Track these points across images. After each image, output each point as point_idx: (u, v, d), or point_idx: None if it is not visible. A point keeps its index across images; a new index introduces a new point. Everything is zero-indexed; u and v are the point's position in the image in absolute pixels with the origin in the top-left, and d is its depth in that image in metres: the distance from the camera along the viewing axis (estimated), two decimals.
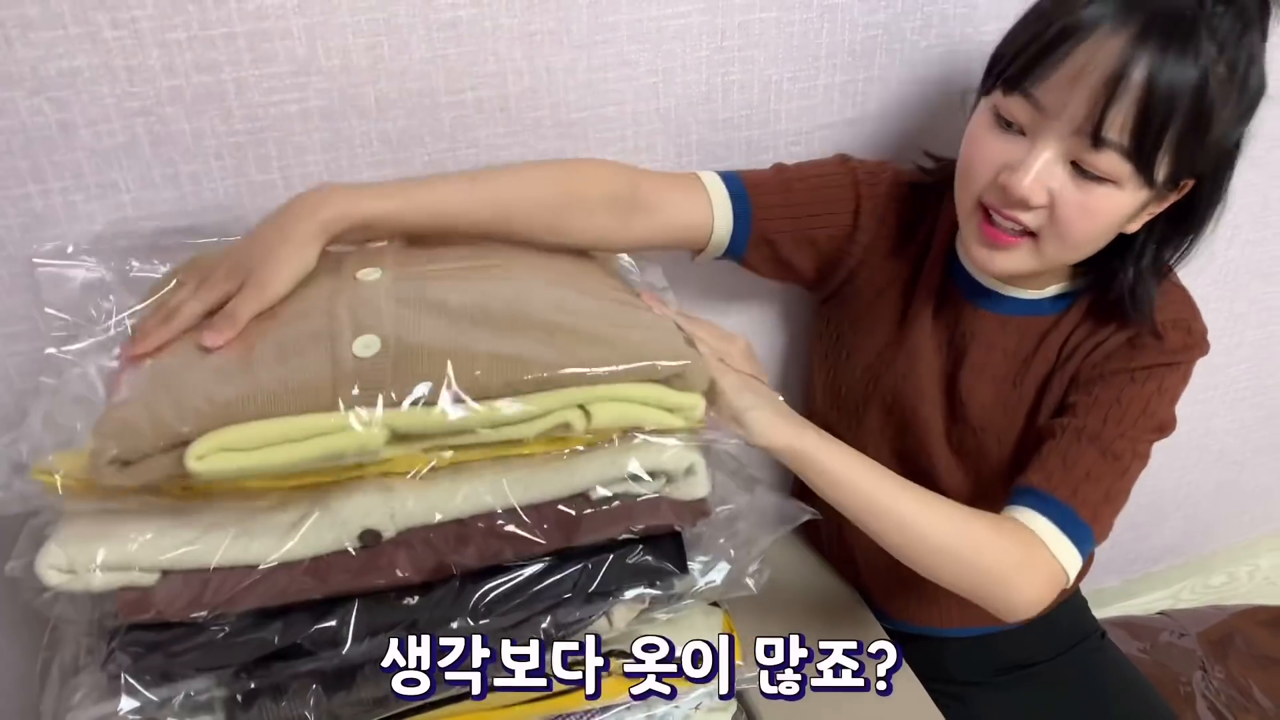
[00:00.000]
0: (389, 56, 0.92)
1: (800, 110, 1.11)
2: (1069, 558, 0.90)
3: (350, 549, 0.66)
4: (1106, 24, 0.77)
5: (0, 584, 0.83)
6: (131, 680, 0.64)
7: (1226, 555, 2.02)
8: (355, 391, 0.64)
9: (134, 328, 0.78)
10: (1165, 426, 0.95)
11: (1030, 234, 0.87)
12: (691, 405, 0.72)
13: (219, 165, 0.92)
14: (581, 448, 0.71)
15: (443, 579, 0.69)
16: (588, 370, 0.67)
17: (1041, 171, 0.82)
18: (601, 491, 0.71)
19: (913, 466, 1.08)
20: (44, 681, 0.73)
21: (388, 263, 0.78)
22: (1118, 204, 0.83)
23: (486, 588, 0.70)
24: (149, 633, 0.65)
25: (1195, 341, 0.95)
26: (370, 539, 0.67)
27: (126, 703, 0.64)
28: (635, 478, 0.71)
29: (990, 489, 1.06)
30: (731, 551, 0.80)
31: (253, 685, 0.68)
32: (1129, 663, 1.28)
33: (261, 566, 0.65)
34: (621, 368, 0.68)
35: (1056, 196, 0.83)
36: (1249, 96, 0.82)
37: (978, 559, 0.87)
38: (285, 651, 0.67)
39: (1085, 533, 0.90)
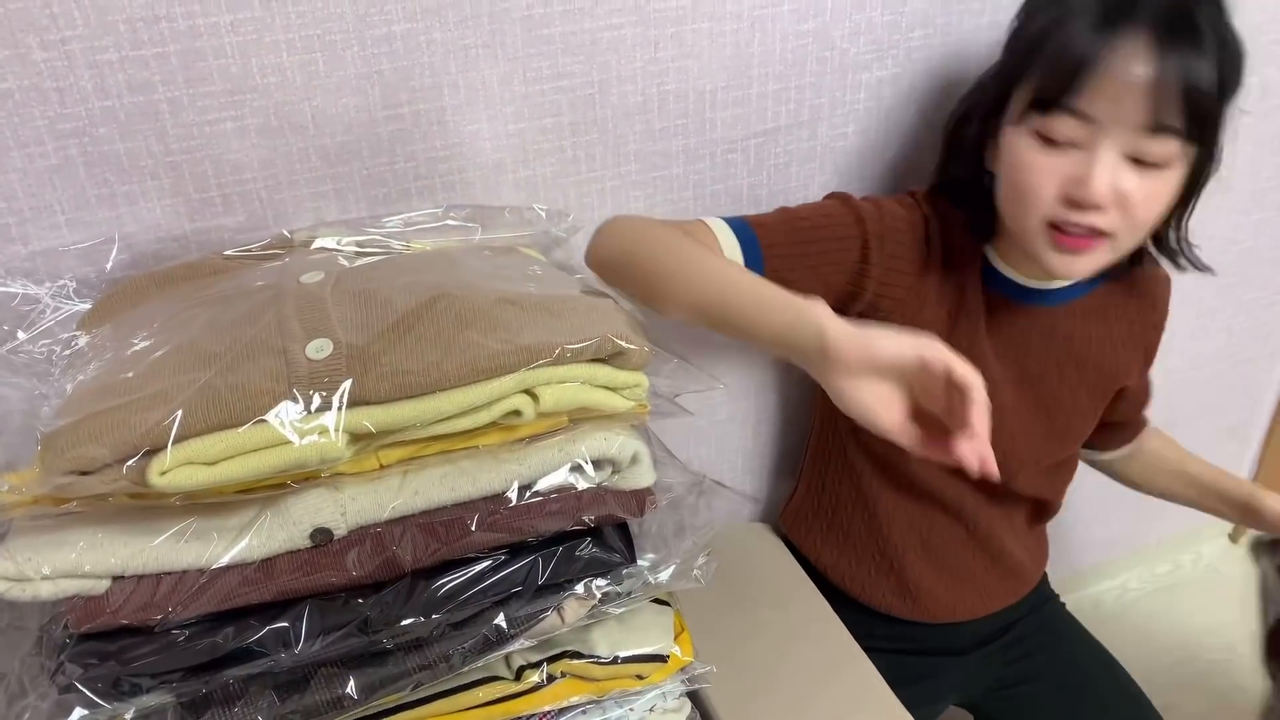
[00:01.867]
0: (324, 72, 0.93)
1: (735, 118, 1.13)
2: None
3: (302, 548, 0.66)
4: (1125, 31, 0.86)
5: None
6: (83, 689, 0.63)
7: (1172, 544, 2.07)
8: (313, 395, 0.64)
9: None
10: None
11: (1102, 234, 0.93)
12: (636, 384, 0.73)
13: (155, 185, 0.92)
14: (528, 440, 0.72)
15: (394, 576, 0.69)
16: (539, 350, 0.69)
17: (1105, 174, 0.89)
18: (548, 483, 0.71)
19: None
20: None
21: (329, 265, 0.78)
22: (1172, 184, 0.93)
23: (437, 584, 0.70)
24: (99, 642, 0.65)
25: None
26: (322, 538, 0.67)
27: (78, 714, 0.64)
28: (580, 468, 0.72)
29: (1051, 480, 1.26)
30: (679, 545, 0.81)
31: (205, 692, 0.67)
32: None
33: (214, 568, 0.65)
34: (574, 345, 0.69)
35: (1126, 193, 0.90)
36: (1242, 63, 0.91)
37: None
38: (238, 654, 0.66)
39: None
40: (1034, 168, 0.93)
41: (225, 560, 0.64)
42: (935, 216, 1.07)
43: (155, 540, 0.65)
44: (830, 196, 1.09)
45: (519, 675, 0.79)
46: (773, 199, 1.20)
